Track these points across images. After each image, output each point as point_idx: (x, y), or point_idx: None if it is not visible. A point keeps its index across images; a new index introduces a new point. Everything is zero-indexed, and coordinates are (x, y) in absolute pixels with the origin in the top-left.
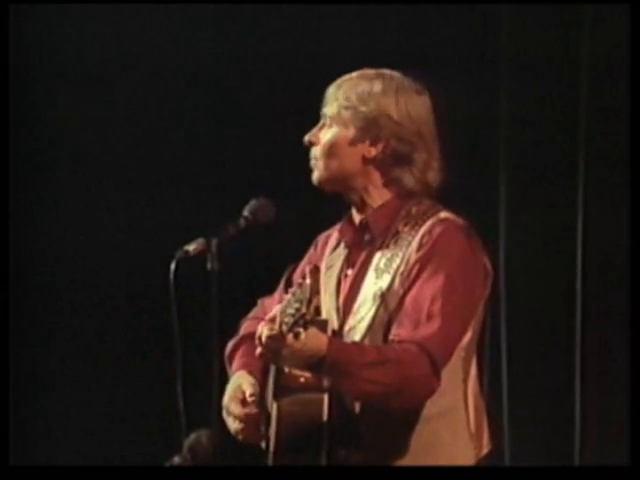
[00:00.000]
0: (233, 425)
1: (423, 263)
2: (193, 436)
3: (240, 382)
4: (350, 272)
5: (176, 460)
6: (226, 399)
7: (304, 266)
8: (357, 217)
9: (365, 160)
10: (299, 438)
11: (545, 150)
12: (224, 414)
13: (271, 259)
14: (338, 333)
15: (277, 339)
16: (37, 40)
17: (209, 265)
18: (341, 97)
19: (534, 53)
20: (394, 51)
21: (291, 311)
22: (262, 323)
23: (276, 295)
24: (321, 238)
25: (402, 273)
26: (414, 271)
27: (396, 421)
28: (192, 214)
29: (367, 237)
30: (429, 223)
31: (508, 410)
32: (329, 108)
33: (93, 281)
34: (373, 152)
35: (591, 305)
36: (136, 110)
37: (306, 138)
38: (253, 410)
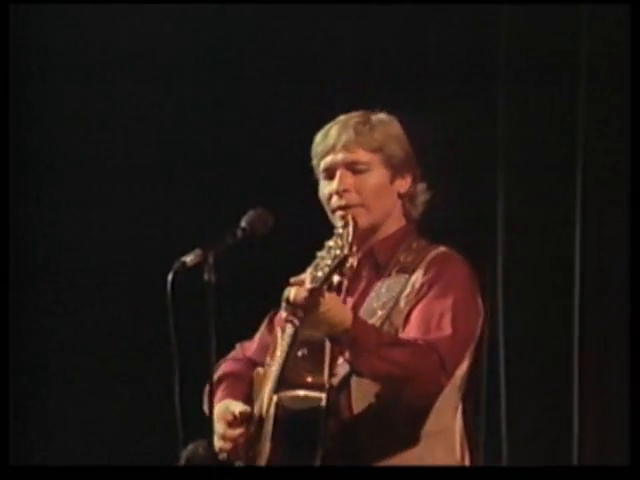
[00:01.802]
0: (217, 444)
1: (431, 283)
2: (190, 447)
3: (227, 405)
4: (349, 300)
5: None
6: (215, 417)
7: None
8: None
9: (399, 196)
10: (296, 438)
11: (543, 152)
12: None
13: (268, 270)
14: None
15: (314, 294)
16: (37, 40)
17: (206, 276)
18: (366, 140)
19: (533, 54)
20: (392, 53)
21: (328, 262)
22: (289, 287)
23: (256, 338)
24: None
25: (408, 295)
26: (422, 290)
27: (395, 433)
28: (189, 225)
29: (369, 265)
30: (434, 253)
31: (506, 411)
32: (346, 155)
33: (92, 290)
34: (405, 186)
35: (590, 305)
36: (134, 116)
37: (340, 189)
38: (239, 430)
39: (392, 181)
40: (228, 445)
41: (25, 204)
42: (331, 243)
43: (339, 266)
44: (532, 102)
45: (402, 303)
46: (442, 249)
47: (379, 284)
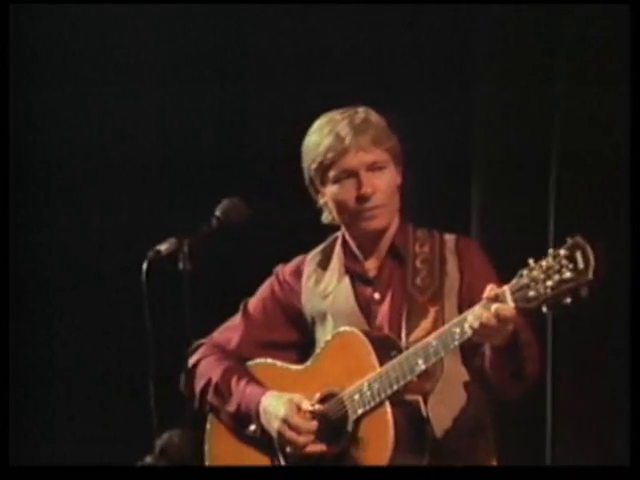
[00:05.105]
0: (299, 439)
1: (471, 270)
2: (165, 436)
3: (289, 397)
4: (377, 296)
5: (148, 460)
6: (283, 411)
7: (262, 294)
8: (357, 247)
9: (398, 189)
10: (412, 439)
11: (519, 155)
12: (281, 428)
13: (243, 259)
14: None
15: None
16: (37, 40)
17: (181, 265)
18: (380, 138)
19: (519, 57)
20: (379, 50)
21: (549, 283)
22: (475, 308)
23: (235, 332)
24: (285, 271)
25: (452, 284)
26: (466, 278)
27: (465, 426)
28: (164, 214)
29: (391, 257)
30: (452, 240)
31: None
32: (365, 156)
33: (71, 280)
34: (400, 178)
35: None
36: (114, 110)
37: (368, 191)
38: (314, 424)
39: (397, 176)
40: (304, 438)
41: (24, 203)
42: (548, 263)
43: (570, 292)
44: (511, 104)
45: (451, 295)
46: (453, 236)
47: (409, 275)
